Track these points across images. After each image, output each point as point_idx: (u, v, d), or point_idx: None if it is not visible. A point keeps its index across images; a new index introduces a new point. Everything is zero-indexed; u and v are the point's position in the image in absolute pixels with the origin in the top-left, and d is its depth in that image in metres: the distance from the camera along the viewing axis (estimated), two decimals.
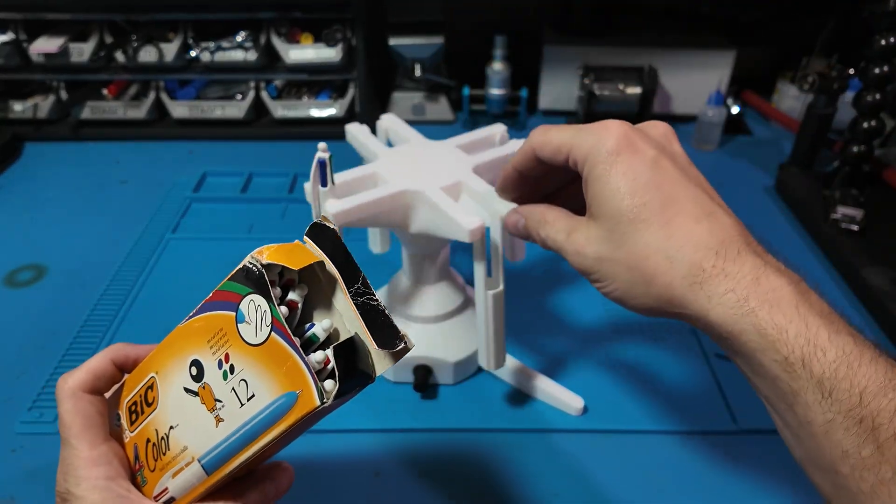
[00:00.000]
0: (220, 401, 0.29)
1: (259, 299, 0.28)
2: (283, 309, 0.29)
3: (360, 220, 0.46)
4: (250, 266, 0.29)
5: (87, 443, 0.33)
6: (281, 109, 0.99)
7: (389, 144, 0.58)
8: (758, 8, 1.08)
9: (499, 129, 0.56)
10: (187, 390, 0.31)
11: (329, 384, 0.28)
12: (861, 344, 0.28)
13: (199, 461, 0.30)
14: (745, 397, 0.58)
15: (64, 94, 0.98)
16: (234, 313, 0.29)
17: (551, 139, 0.35)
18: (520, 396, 0.58)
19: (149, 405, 0.33)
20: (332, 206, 0.44)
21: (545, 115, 1.07)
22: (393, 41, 0.97)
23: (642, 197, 0.32)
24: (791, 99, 1.05)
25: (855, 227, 0.75)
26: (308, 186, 0.47)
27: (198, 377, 0.30)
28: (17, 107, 0.98)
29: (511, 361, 0.58)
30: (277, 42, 0.95)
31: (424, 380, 0.56)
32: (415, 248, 0.55)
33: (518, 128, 1.03)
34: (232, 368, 0.29)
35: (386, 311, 0.29)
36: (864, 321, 0.67)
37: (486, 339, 0.50)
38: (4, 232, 0.80)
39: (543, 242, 0.38)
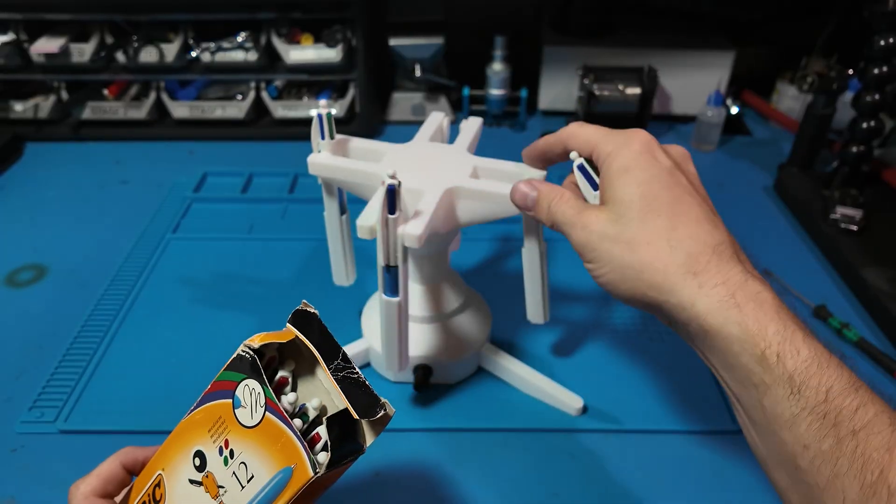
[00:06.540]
0: (222, 486, 0.31)
1: (253, 383, 0.30)
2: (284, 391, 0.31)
3: (429, 235, 0.46)
4: (243, 353, 0.31)
5: None
6: (281, 110, 0.99)
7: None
8: (757, 8, 1.08)
9: (439, 116, 0.58)
10: (192, 481, 0.32)
11: (322, 456, 0.30)
12: (830, 350, 0.31)
13: None
14: None
15: (65, 95, 0.98)
16: (230, 400, 0.31)
17: (583, 133, 0.39)
18: (519, 396, 0.58)
19: (157, 503, 0.34)
20: (411, 230, 0.44)
21: (545, 115, 1.07)
22: (393, 41, 0.97)
23: (656, 192, 0.35)
24: (790, 99, 1.05)
25: (854, 228, 0.75)
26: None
27: (201, 467, 0.32)
28: (18, 107, 0.98)
29: (510, 361, 0.58)
30: (278, 42, 0.95)
31: (424, 380, 0.56)
32: (418, 249, 0.55)
33: (518, 128, 1.03)
34: (232, 453, 0.30)
35: (367, 383, 0.32)
36: (863, 321, 0.67)
37: (542, 293, 0.53)
38: (5, 232, 0.80)
39: (551, 218, 0.40)
